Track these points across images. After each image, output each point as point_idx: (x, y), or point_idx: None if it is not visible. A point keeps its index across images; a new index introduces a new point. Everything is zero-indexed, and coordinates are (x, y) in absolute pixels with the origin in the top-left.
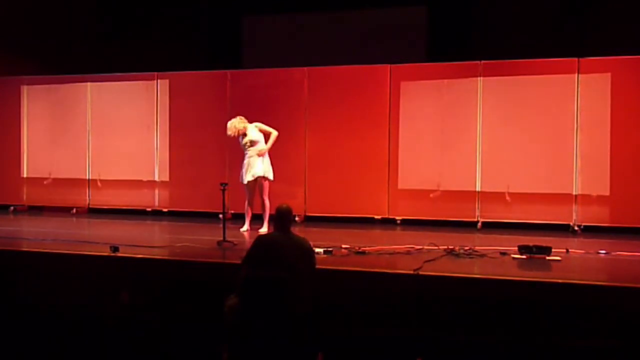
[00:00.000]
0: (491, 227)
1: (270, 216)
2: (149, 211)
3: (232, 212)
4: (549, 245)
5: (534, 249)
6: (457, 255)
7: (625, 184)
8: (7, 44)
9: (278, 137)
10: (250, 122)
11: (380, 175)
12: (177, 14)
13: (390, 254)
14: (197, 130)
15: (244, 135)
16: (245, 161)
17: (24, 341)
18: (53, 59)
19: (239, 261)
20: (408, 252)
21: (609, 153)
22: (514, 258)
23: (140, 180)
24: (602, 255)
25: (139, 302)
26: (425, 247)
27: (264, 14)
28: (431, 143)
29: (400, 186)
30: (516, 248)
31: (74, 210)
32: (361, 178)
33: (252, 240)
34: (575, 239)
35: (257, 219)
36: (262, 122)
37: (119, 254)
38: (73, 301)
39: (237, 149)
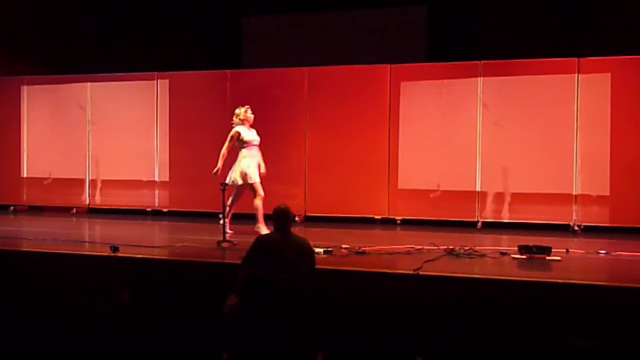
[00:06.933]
0: (491, 227)
1: (269, 216)
2: (149, 211)
3: (232, 212)
4: (549, 245)
5: (534, 249)
6: (457, 255)
7: (625, 184)
8: (7, 44)
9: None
10: (253, 122)
11: (380, 175)
12: (177, 14)
13: (390, 254)
14: (197, 130)
15: (247, 130)
16: (248, 161)
17: (24, 341)
18: (53, 59)
19: (239, 261)
20: (408, 252)
21: (609, 153)
22: (514, 258)
23: (140, 180)
24: (602, 255)
25: (139, 302)
26: (425, 247)
27: (264, 14)
28: (431, 143)
29: (400, 186)
30: (516, 248)
31: (74, 210)
32: (361, 178)
33: (252, 240)
34: (575, 239)
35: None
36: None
37: (119, 254)
38: (73, 301)
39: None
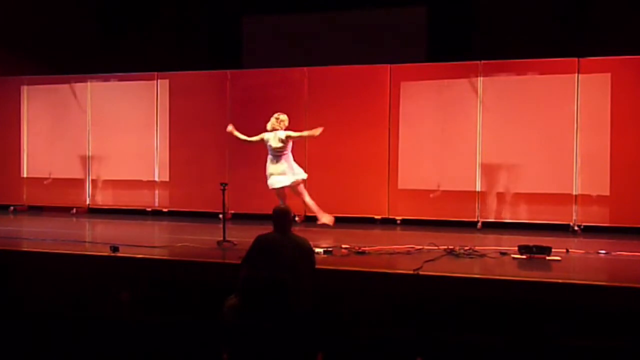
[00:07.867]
0: (491, 227)
1: (270, 217)
2: (149, 211)
3: (232, 212)
4: (549, 245)
5: (534, 249)
6: (457, 255)
7: (625, 184)
8: (7, 44)
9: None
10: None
11: (380, 175)
12: (177, 14)
13: (390, 254)
14: (197, 130)
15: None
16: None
17: (24, 341)
18: (53, 59)
19: (239, 261)
20: (408, 252)
21: (609, 153)
22: (514, 258)
23: (140, 180)
24: (602, 255)
25: (139, 302)
26: (425, 247)
27: (264, 14)
28: (431, 143)
29: (400, 186)
30: (516, 248)
31: (74, 210)
32: (361, 178)
33: (253, 240)
34: (575, 239)
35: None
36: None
37: (119, 254)
38: (73, 301)
39: (236, 148)
